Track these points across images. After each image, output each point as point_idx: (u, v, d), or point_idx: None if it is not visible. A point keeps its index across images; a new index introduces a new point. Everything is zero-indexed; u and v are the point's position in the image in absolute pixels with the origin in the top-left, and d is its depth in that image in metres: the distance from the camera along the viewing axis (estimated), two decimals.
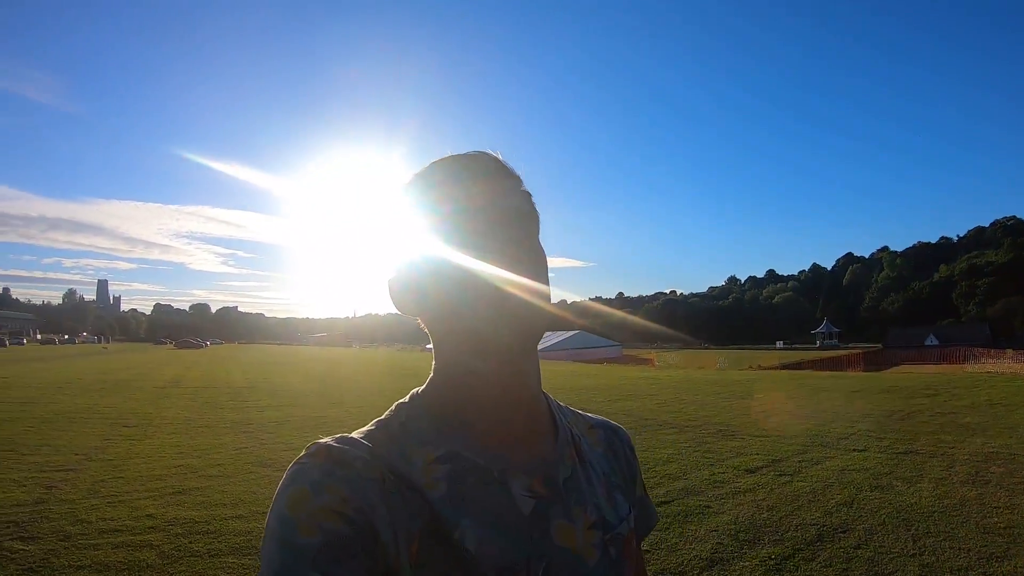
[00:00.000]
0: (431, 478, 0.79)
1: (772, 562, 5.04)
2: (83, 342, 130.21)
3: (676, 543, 5.49)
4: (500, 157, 0.88)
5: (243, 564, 5.12)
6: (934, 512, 6.04)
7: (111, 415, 14.31)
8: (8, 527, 5.98)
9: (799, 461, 8.31)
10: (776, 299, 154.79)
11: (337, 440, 0.79)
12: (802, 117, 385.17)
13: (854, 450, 8.88)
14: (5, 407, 15.40)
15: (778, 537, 5.52)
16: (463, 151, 0.87)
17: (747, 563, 5.05)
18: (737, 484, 7.29)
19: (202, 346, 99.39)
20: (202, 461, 9.15)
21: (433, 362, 0.90)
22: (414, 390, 0.91)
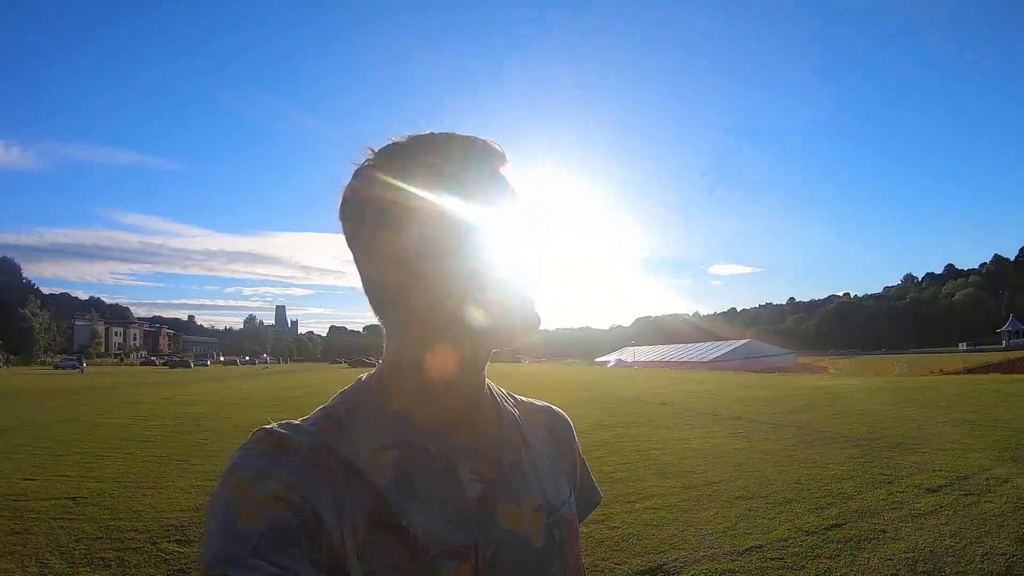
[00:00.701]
0: (378, 464, 0.78)
1: None
2: (261, 363, 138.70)
3: (846, 574, 5.05)
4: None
5: None
6: None
7: None
8: (167, 531, 6.39)
9: (986, 479, 7.50)
10: (956, 296, 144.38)
11: (282, 426, 0.78)
12: (975, 91, 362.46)
13: None
14: (185, 422, 16.23)
15: (961, 569, 4.93)
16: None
17: None
18: (917, 505, 6.64)
19: (375, 364, 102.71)
20: None
21: (386, 347, 0.88)
22: (359, 376, 0.90)
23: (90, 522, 6.68)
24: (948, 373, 33.23)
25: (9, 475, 9.18)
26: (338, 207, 0.87)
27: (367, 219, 0.83)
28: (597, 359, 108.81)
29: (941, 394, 17.30)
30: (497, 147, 0.87)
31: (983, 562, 5.04)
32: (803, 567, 5.25)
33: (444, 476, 0.81)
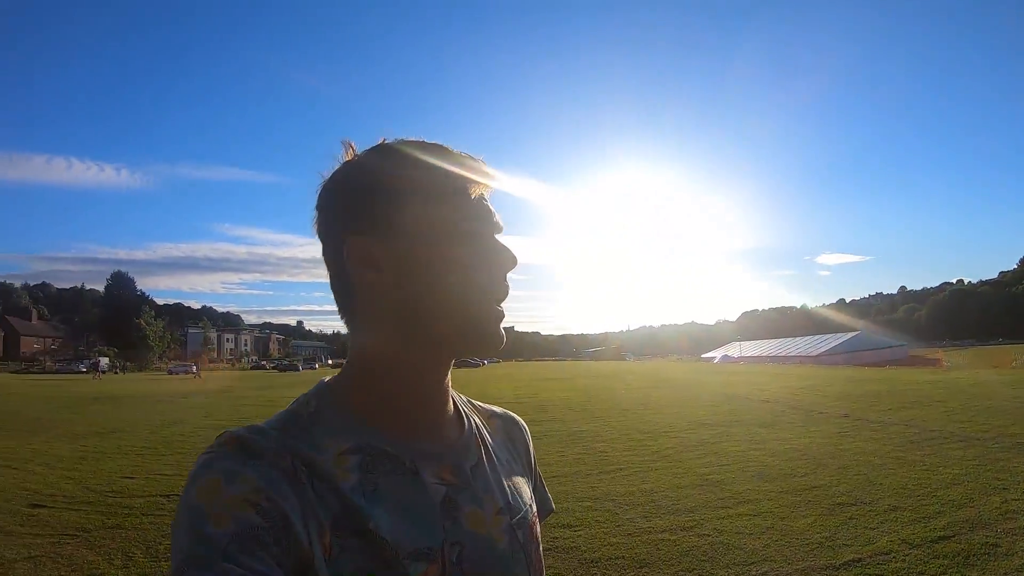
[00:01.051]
0: (342, 468, 0.78)
1: None
2: None
3: None
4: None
5: None
6: None
7: None
8: None
9: None
10: None
11: (247, 430, 0.77)
12: None
13: None
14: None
15: None
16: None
17: None
18: None
19: (480, 365, 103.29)
20: None
21: (351, 347, 0.89)
22: (321, 379, 0.90)
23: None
24: None
25: (110, 473, 9.59)
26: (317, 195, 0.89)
27: (354, 209, 0.84)
28: (703, 355, 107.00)
29: None
30: (489, 170, 0.88)
31: None
32: None
33: (408, 480, 0.82)
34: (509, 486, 0.96)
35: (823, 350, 71.82)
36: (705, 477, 8.51)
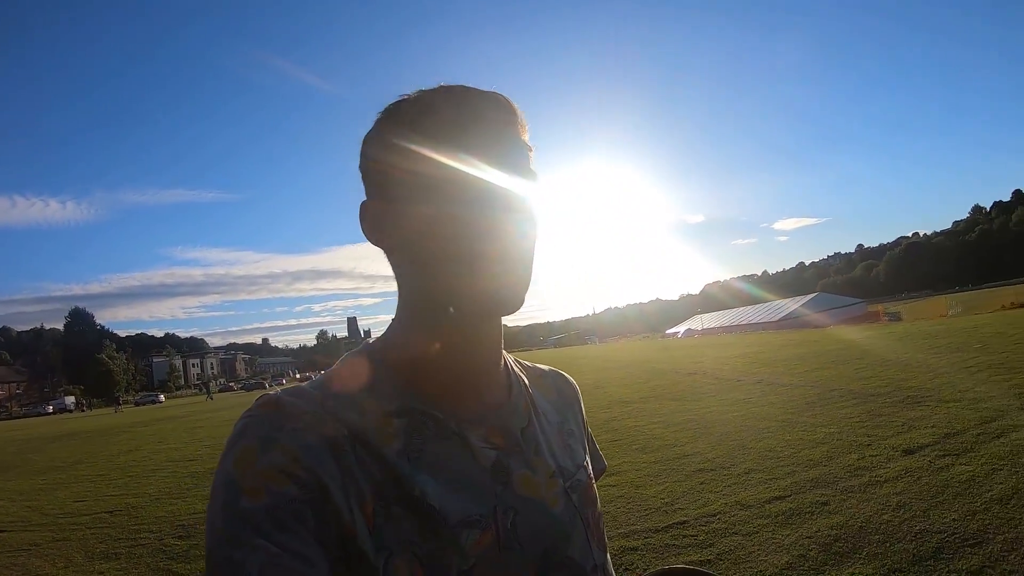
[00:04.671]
0: (386, 432, 0.74)
1: None
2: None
3: (749, 554, 4.48)
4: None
5: None
6: None
7: None
8: (175, 528, 7.35)
9: (978, 434, 6.69)
10: None
11: (288, 392, 0.74)
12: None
13: None
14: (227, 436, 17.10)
15: (880, 551, 4.24)
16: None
17: None
18: (882, 471, 5.94)
19: None
20: None
21: (398, 310, 0.84)
22: (365, 340, 0.86)
23: (117, 528, 7.66)
24: (1008, 309, 31.32)
25: (64, 500, 10.19)
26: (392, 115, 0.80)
27: (382, 185, 0.79)
28: (667, 331, 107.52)
29: (980, 335, 16.07)
30: (515, 106, 0.80)
31: (911, 541, 4.34)
32: (711, 544, 4.80)
33: (455, 444, 0.77)
34: (561, 448, 0.91)
35: (783, 315, 72.60)
36: None
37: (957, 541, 4.26)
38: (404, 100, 0.79)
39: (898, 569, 3.99)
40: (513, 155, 0.76)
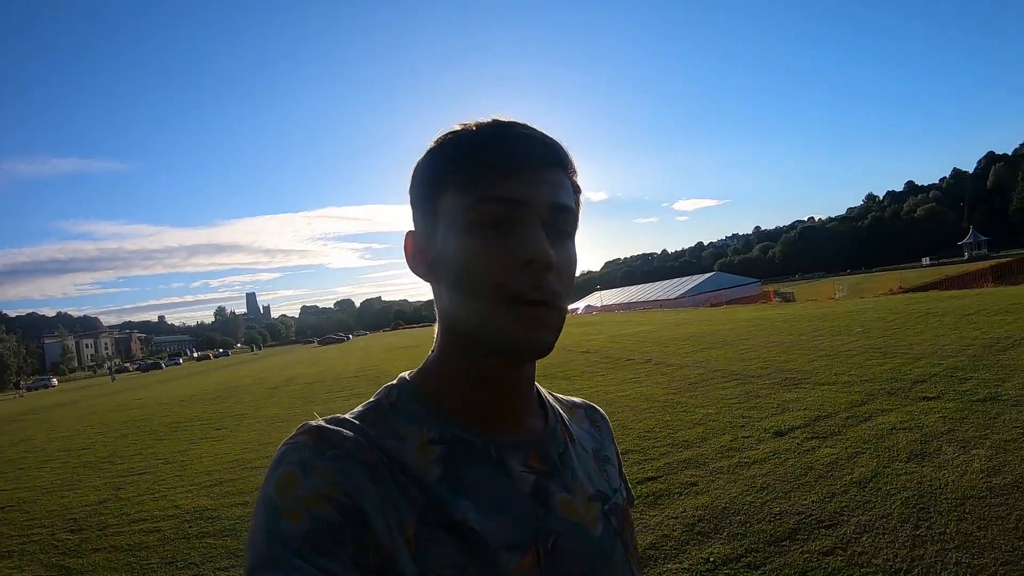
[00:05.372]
0: (425, 460, 0.75)
1: (704, 567, 3.99)
2: (236, 352, 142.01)
3: None
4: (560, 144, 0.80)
5: (221, 544, 5.80)
6: (968, 498, 4.49)
7: (210, 421, 15.12)
8: (67, 522, 7.31)
9: (847, 417, 6.96)
10: (918, 212, 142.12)
11: (328, 420, 0.74)
12: (929, 7, 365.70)
13: (923, 398, 7.32)
14: (126, 425, 16.71)
15: (740, 532, 4.39)
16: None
17: (673, 566, 4.06)
18: (751, 453, 6.14)
19: (344, 340, 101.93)
20: (256, 455, 9.93)
21: (436, 339, 0.85)
22: (402, 374, 0.87)
23: (8, 525, 7.54)
24: (889, 294, 32.50)
25: None
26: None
27: (423, 216, 0.81)
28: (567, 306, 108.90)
29: (863, 319, 16.68)
30: (564, 152, 0.80)
31: (771, 522, 4.48)
32: None
33: (495, 469, 0.78)
34: (598, 473, 0.91)
35: (680, 293, 74.06)
36: None
37: (813, 523, 4.41)
38: (450, 132, 0.79)
39: (754, 549, 4.12)
40: (559, 199, 0.76)
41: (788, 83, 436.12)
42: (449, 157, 0.76)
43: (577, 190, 0.81)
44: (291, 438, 0.71)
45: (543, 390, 0.96)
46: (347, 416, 0.77)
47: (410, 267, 0.83)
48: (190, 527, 6.42)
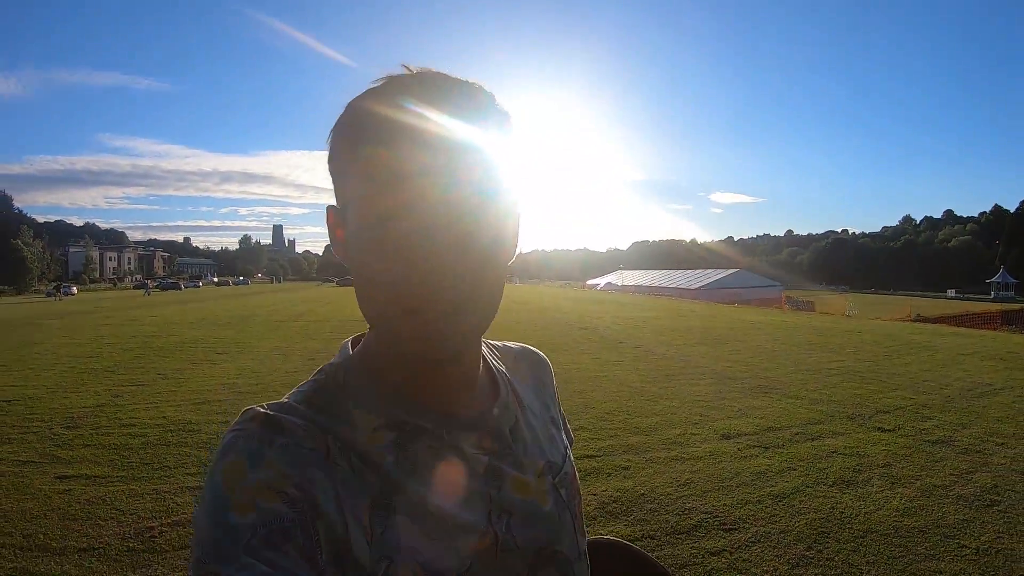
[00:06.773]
0: (378, 445, 0.74)
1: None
2: (256, 282, 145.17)
3: None
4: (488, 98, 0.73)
5: (196, 454, 6.38)
6: (872, 532, 4.63)
7: (214, 345, 15.81)
8: (65, 419, 7.98)
9: (796, 433, 7.18)
10: (952, 242, 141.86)
11: (275, 407, 0.73)
12: (991, 46, 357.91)
13: (878, 429, 7.51)
14: (134, 339, 17.63)
15: (646, 518, 4.70)
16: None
17: None
18: (692, 450, 6.42)
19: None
20: (248, 381, 10.57)
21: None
22: (345, 344, 0.86)
23: (12, 416, 8.24)
24: (898, 320, 32.23)
25: None
26: (333, 126, 0.74)
27: (362, 137, 0.69)
28: (589, 281, 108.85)
29: (859, 340, 16.88)
30: (499, 103, 0.74)
31: (677, 515, 4.79)
32: None
33: (447, 453, 0.78)
34: (546, 440, 0.93)
35: (702, 284, 74.07)
36: None
37: (715, 523, 4.69)
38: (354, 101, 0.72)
39: (650, 536, 4.44)
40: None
41: (848, 95, 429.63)
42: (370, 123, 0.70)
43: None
44: (237, 425, 0.70)
45: (488, 353, 0.95)
46: (291, 400, 0.76)
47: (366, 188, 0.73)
48: (172, 436, 7.06)
